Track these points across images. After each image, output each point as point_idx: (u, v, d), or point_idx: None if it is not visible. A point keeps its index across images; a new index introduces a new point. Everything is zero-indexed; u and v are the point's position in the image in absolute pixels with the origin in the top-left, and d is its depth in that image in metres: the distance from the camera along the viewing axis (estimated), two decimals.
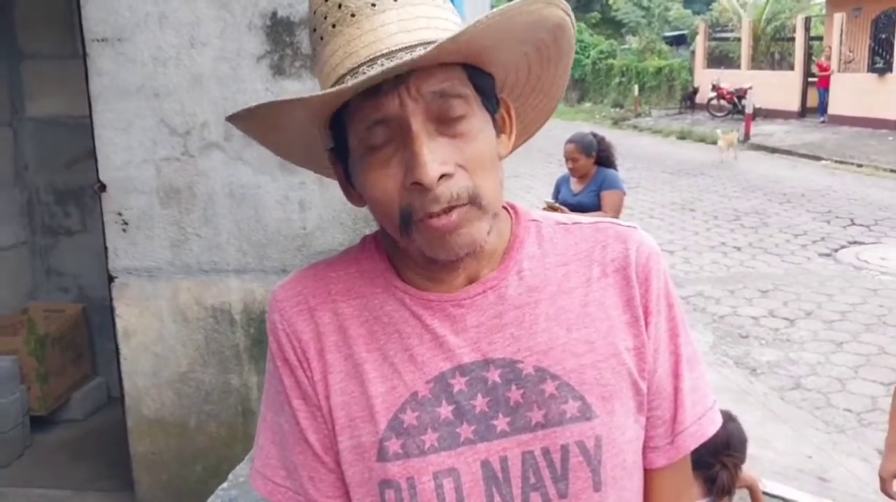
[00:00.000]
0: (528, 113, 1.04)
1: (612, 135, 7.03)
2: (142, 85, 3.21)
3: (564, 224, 1.02)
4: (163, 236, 3.31)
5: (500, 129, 0.95)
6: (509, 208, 1.01)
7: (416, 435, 0.92)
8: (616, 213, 4.70)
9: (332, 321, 0.97)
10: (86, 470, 4.07)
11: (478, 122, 0.89)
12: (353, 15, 0.87)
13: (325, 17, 0.89)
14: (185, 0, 3.13)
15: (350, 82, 0.82)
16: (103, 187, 3.30)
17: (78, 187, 4.76)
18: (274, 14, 3.10)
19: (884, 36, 18.60)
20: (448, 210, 0.85)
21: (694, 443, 1.00)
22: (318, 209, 3.20)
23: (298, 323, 0.97)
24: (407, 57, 0.81)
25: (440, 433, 0.92)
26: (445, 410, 0.92)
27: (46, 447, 4.36)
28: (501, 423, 0.92)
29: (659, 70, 26.90)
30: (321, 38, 0.90)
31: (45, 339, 4.45)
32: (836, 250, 8.84)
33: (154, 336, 3.40)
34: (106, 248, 3.37)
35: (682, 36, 30.42)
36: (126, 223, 3.32)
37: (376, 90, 0.84)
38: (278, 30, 3.10)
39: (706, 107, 22.88)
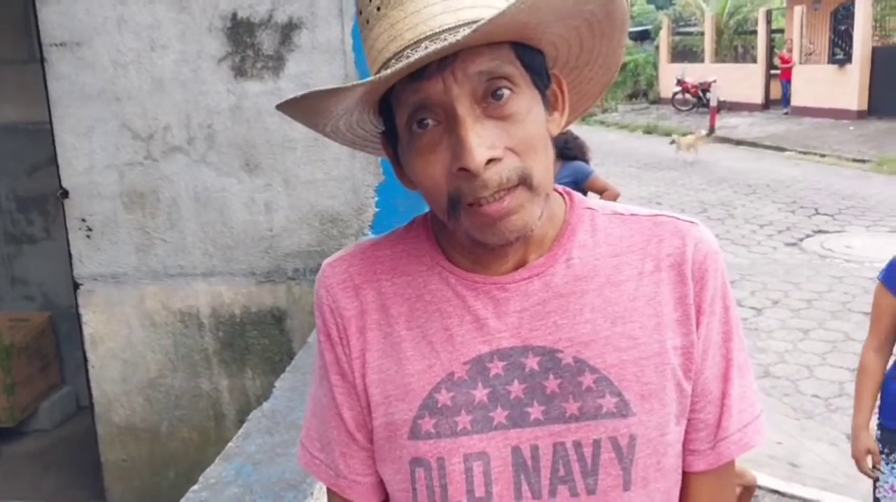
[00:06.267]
0: (584, 85, 1.00)
1: (579, 130, 7.08)
2: (102, 89, 3.18)
3: (621, 214, 0.99)
4: (128, 241, 3.28)
5: (551, 107, 0.92)
6: (564, 194, 0.99)
7: (450, 416, 0.91)
8: (612, 191, 4.66)
9: (376, 299, 0.97)
10: (56, 480, 4.02)
11: (526, 101, 0.86)
12: None
13: (370, 0, 0.87)
14: (144, 3, 3.10)
15: (393, 67, 0.80)
16: (66, 193, 3.27)
17: (40, 194, 4.69)
18: (234, 16, 3.08)
19: (843, 28, 18.89)
20: (497, 195, 0.83)
21: (737, 452, 0.97)
22: (285, 210, 3.19)
23: (343, 299, 0.97)
24: (451, 39, 0.78)
25: (473, 415, 0.91)
26: (480, 393, 0.91)
27: (15, 458, 4.30)
28: (536, 411, 0.91)
29: (624, 65, 27.07)
30: (367, 22, 0.88)
31: (11, 349, 4.38)
32: (802, 239, 8.98)
33: (122, 342, 3.36)
34: (70, 255, 3.33)
35: (646, 31, 30.65)
36: (90, 229, 3.29)
37: (420, 74, 0.82)
38: (239, 31, 3.09)
39: (671, 101, 23.09)
